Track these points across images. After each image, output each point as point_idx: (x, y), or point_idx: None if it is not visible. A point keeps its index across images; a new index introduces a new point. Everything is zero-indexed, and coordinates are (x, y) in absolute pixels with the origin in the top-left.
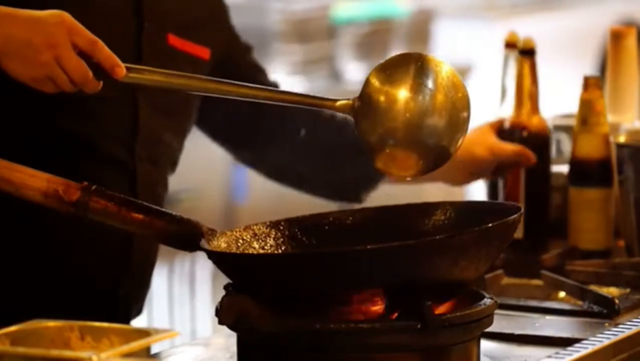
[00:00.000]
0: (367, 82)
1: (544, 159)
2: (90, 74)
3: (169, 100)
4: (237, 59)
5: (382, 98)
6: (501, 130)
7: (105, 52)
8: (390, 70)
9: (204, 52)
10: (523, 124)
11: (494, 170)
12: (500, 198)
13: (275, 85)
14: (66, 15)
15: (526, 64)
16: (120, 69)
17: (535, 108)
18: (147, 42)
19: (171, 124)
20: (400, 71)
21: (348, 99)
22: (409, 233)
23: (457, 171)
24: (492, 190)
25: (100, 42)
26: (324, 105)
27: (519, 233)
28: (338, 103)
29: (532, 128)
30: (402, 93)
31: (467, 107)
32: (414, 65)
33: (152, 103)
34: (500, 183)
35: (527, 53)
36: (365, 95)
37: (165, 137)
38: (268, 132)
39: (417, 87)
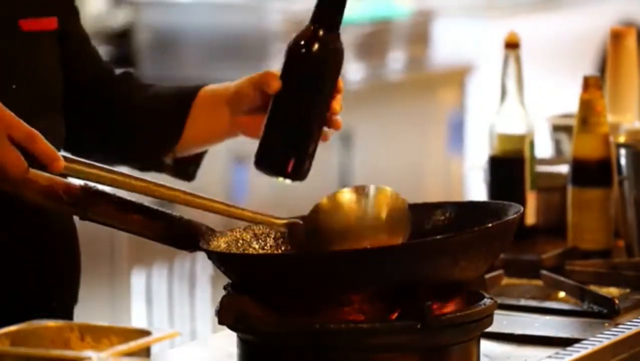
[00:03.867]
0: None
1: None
2: (27, 167)
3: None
4: (70, 26)
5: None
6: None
7: (43, 146)
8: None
9: (52, 22)
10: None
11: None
12: None
13: (99, 57)
14: (3, 110)
15: None
16: (58, 163)
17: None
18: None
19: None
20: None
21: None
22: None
23: (235, 113)
24: (492, 190)
25: (38, 136)
26: (271, 224)
27: None
28: (281, 222)
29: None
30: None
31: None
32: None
33: None
34: None
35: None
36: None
37: None
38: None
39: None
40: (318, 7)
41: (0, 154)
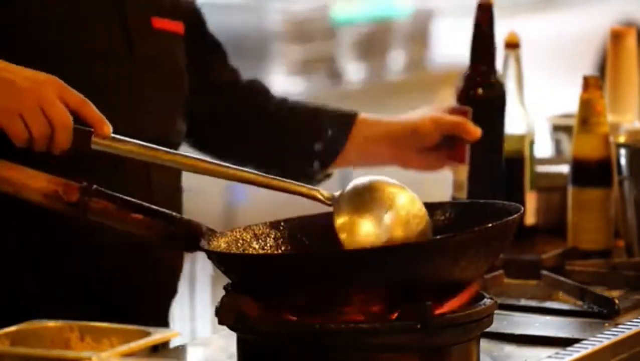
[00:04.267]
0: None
1: (497, 123)
2: (71, 126)
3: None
4: (198, 32)
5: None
6: (458, 91)
7: (93, 110)
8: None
9: (180, 27)
10: (478, 83)
11: (438, 144)
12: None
13: (234, 69)
14: (57, 79)
15: (483, 16)
16: (107, 127)
17: (492, 67)
18: (135, 32)
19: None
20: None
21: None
22: None
23: (402, 148)
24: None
25: (89, 102)
26: (309, 195)
27: (462, 194)
28: (322, 195)
29: (487, 87)
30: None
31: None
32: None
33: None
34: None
35: (483, 9)
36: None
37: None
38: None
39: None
40: (476, 48)
41: (50, 110)
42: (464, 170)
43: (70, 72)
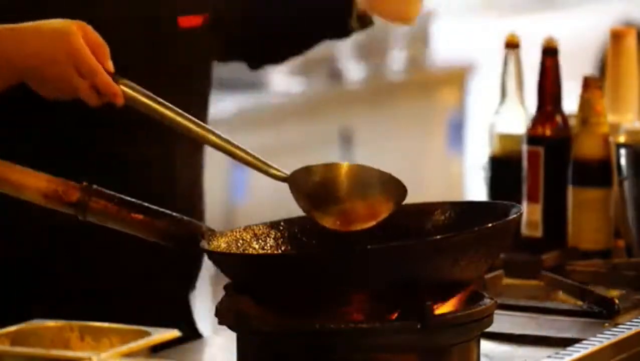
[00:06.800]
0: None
1: (565, 158)
2: (97, 96)
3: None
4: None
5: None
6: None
7: (105, 80)
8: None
9: (198, 20)
10: (545, 123)
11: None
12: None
13: None
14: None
15: (548, 62)
16: (119, 98)
17: (557, 108)
18: (163, 33)
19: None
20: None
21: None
22: (409, 233)
23: None
24: (492, 190)
25: (101, 70)
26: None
27: (537, 232)
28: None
29: (554, 127)
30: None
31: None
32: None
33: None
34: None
35: (549, 52)
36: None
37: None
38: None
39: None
40: (542, 89)
41: (72, 82)
42: (536, 209)
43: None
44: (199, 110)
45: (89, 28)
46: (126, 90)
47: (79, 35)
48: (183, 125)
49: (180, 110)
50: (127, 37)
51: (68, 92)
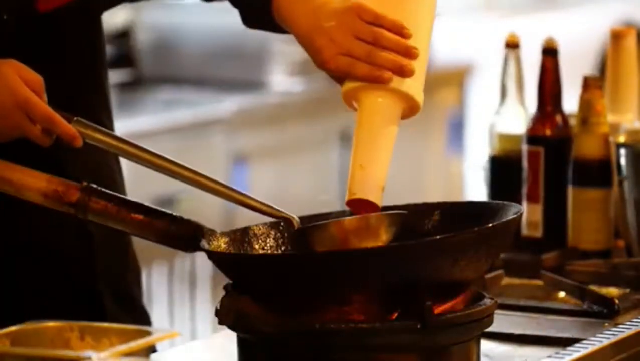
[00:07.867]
0: None
1: (565, 158)
2: (51, 139)
3: None
4: None
5: None
6: (528, 132)
7: (61, 128)
8: None
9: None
10: (545, 124)
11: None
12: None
13: None
14: (19, 88)
15: (548, 63)
16: (78, 141)
17: (557, 108)
18: (25, 20)
19: None
20: None
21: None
22: (408, 233)
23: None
24: (492, 190)
25: (55, 117)
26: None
27: (537, 232)
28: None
29: (554, 127)
30: None
31: None
32: None
33: None
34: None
35: (549, 52)
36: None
37: None
38: None
39: None
40: (542, 90)
41: (25, 130)
42: (537, 209)
43: None
44: (93, 91)
45: (22, 66)
46: (82, 130)
47: (20, 81)
48: (144, 157)
49: (139, 144)
50: None
51: (19, 136)
